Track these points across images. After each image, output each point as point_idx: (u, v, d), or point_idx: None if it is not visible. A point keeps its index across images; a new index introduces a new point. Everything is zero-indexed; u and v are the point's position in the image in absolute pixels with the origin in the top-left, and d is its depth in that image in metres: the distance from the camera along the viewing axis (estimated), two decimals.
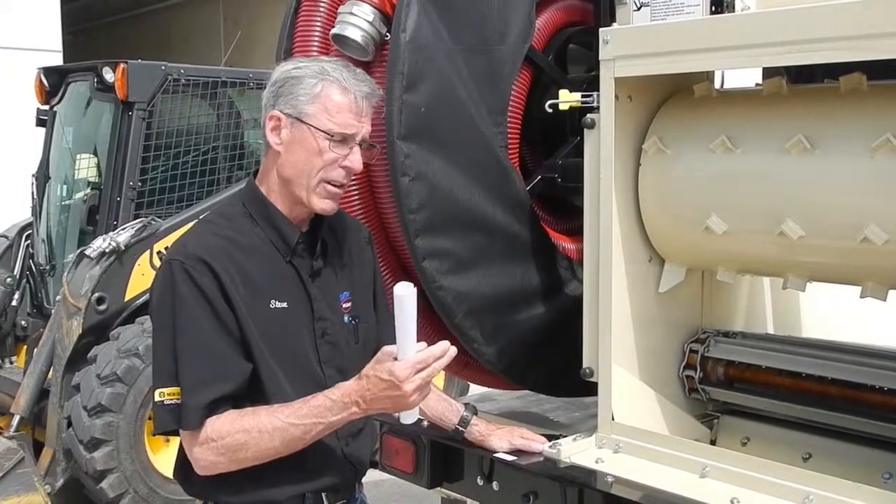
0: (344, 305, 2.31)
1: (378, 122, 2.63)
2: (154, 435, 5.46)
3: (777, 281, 2.88)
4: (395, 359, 2.05)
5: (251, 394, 2.16)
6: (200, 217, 2.45)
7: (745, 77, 2.80)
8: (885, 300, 2.33)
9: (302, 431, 2.09)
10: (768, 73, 2.62)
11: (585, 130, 2.57)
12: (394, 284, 2.78)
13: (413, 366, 2.04)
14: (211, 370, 2.10)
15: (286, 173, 2.21)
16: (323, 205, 2.21)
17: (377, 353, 2.47)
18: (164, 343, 2.12)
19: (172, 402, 2.09)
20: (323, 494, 2.25)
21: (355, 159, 2.19)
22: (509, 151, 2.82)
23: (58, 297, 5.94)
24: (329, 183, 2.19)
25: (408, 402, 2.07)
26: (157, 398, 2.12)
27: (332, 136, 2.15)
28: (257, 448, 2.09)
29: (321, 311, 2.25)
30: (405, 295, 2.04)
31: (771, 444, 2.66)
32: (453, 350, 2.09)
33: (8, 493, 4.85)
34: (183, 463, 2.23)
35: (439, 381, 6.33)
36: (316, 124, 2.16)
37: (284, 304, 2.19)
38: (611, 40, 2.48)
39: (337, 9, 2.69)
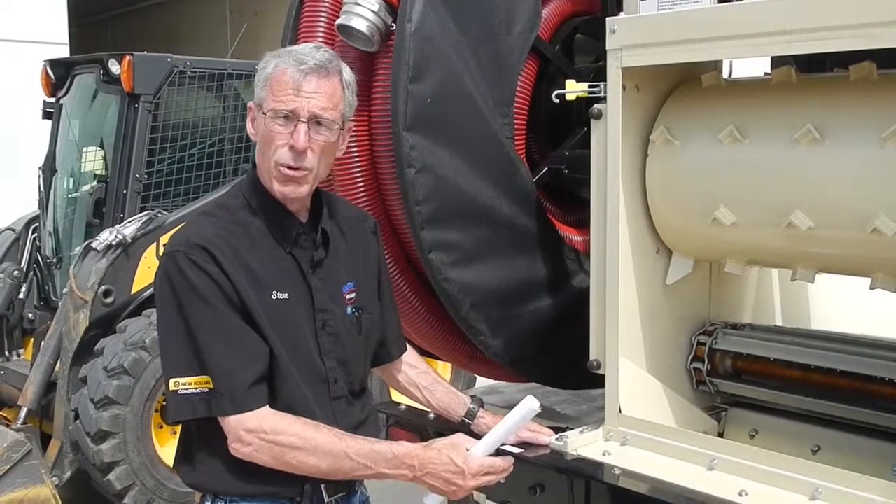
0: (347, 296, 2.29)
1: (384, 114, 2.62)
2: (170, 424, 5.44)
3: (785, 272, 2.86)
4: (468, 450, 2.13)
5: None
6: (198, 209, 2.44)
7: (753, 66, 2.78)
8: (895, 291, 2.31)
9: (351, 468, 2.11)
10: (777, 62, 2.60)
11: (592, 121, 2.56)
12: (400, 278, 2.79)
13: (486, 467, 2.12)
14: (240, 353, 2.08)
15: (257, 161, 2.22)
16: (282, 188, 2.16)
17: (382, 349, 2.45)
18: (175, 333, 2.10)
19: (194, 390, 2.07)
20: (322, 486, 2.23)
21: (297, 137, 2.11)
22: (516, 142, 2.81)
23: (64, 290, 5.95)
24: (282, 166, 2.14)
25: (458, 494, 2.14)
26: (171, 387, 2.09)
27: (274, 114, 2.11)
28: (303, 459, 2.08)
29: (322, 302, 2.23)
30: (530, 409, 2.15)
31: (779, 437, 2.65)
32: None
33: (15, 486, 4.85)
34: (183, 452, 2.23)
35: (446, 373, 6.33)
36: (264, 106, 2.14)
37: (286, 296, 2.17)
38: (618, 30, 2.46)
39: None
